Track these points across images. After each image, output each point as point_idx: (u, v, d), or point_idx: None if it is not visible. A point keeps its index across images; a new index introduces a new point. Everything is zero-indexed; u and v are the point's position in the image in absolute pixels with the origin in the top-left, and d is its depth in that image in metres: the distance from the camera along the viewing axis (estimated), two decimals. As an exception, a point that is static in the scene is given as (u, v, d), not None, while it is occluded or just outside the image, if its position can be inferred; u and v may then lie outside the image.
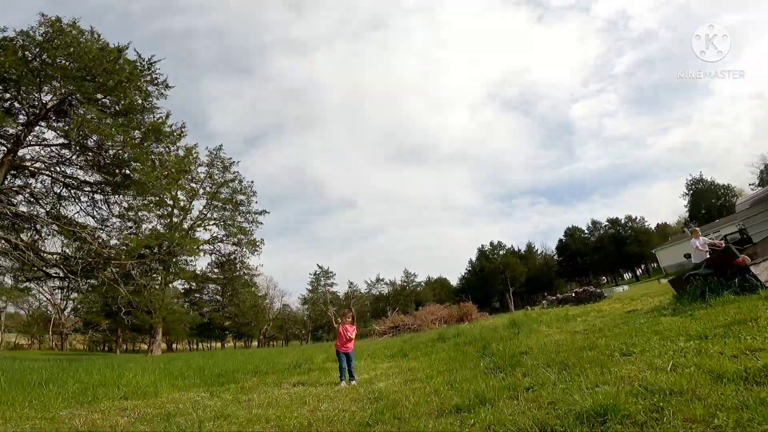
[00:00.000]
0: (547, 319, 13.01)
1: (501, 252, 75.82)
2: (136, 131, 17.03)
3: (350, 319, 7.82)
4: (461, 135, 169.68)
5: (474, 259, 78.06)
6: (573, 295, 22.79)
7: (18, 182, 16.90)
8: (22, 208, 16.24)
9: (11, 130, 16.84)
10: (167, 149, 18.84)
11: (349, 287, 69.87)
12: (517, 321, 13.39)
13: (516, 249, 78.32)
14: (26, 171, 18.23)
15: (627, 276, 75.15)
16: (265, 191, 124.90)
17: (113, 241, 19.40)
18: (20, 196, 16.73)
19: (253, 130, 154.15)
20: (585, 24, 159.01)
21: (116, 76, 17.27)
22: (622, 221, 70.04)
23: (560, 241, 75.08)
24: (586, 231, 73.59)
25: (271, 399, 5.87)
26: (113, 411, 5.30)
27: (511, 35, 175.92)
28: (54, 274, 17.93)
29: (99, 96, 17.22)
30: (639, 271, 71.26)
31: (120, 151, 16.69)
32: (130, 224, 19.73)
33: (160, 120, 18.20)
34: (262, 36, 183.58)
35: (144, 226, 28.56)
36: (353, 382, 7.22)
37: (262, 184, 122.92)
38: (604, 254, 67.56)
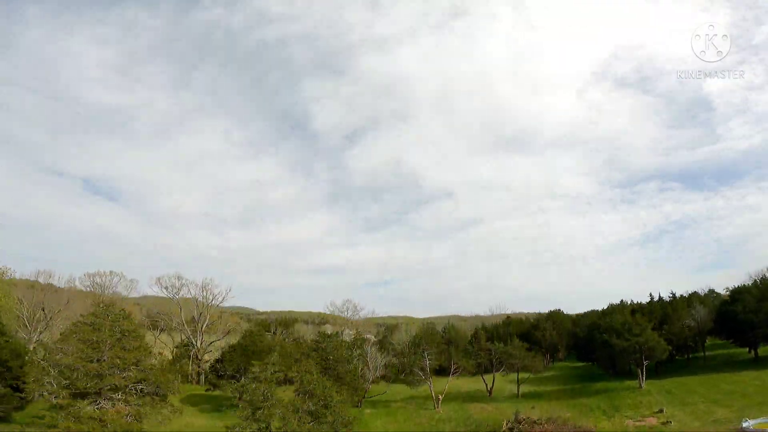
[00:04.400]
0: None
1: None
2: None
3: None
4: (567, 118, 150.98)
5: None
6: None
7: None
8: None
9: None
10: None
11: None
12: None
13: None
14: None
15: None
16: (365, 184, 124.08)
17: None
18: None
19: (351, 126, 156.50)
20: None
21: None
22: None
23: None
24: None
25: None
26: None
27: (615, 8, 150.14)
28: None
29: None
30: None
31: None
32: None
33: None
34: (347, 37, 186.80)
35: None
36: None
37: (362, 178, 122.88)
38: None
